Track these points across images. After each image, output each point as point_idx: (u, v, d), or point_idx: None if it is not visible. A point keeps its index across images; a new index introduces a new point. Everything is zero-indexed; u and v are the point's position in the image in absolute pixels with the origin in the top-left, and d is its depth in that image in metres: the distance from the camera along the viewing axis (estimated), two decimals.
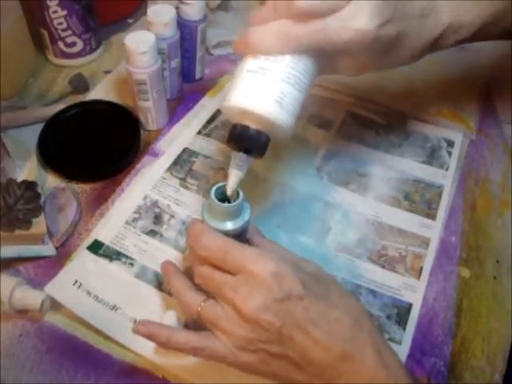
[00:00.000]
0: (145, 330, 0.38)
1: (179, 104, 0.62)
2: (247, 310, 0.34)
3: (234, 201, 0.39)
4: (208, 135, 0.58)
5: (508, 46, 0.50)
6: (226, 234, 0.39)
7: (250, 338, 0.35)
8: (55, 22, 0.60)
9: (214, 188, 0.39)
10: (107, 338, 0.42)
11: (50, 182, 0.53)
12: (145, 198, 0.52)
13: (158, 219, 0.50)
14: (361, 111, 0.62)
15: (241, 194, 0.39)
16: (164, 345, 0.38)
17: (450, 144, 0.60)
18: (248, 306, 0.34)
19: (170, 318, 0.41)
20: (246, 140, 0.39)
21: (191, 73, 0.64)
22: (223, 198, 0.39)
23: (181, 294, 0.39)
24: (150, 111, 0.56)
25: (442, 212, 0.53)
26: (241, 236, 0.40)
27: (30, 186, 0.47)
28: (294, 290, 0.35)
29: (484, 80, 0.67)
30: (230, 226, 0.39)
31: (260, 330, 0.34)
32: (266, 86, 0.37)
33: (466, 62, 0.50)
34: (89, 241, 0.48)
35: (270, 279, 0.34)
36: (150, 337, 0.38)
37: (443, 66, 0.65)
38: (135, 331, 0.38)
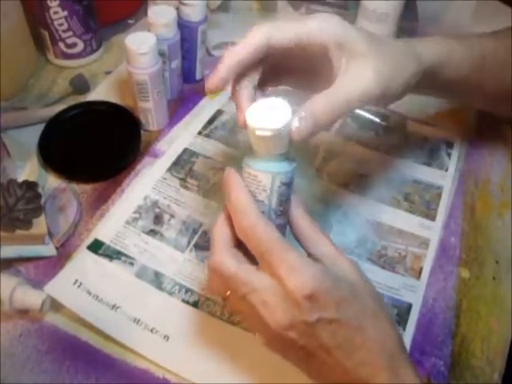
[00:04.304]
0: None
1: (179, 105, 0.62)
2: (272, 324, 0.33)
3: None
4: (208, 136, 0.58)
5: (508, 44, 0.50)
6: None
7: (273, 341, 0.35)
8: (56, 22, 0.60)
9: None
10: (107, 337, 0.42)
11: (51, 182, 0.53)
12: (145, 198, 0.52)
13: (158, 219, 0.50)
14: (361, 112, 0.62)
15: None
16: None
17: (449, 145, 0.60)
18: (273, 321, 0.33)
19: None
20: None
21: (191, 74, 0.64)
22: None
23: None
24: (151, 112, 0.57)
25: (441, 213, 0.53)
26: (288, 189, 0.36)
27: (30, 186, 0.47)
28: (326, 314, 0.33)
29: None
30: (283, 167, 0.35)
31: (283, 340, 0.34)
32: None
33: None
34: (89, 240, 0.48)
35: (303, 301, 0.32)
36: None
37: None
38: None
